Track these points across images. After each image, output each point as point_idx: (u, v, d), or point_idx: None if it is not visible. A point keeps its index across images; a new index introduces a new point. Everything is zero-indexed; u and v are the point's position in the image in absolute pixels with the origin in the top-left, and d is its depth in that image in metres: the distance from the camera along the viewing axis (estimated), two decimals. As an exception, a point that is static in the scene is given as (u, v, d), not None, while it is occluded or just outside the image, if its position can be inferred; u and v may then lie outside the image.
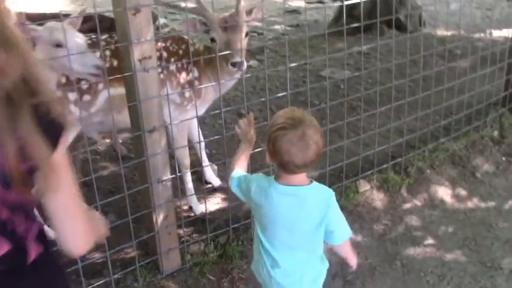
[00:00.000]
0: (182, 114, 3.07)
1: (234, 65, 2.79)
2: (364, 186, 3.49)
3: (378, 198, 3.47)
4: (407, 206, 3.47)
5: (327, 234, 1.89)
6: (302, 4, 9.60)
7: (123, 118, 2.69)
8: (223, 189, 3.52)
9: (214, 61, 2.87)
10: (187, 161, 3.28)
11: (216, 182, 3.60)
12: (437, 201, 3.52)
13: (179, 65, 3.03)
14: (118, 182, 3.34)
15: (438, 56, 5.18)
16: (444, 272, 2.94)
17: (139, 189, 2.68)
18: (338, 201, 1.96)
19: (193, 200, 3.34)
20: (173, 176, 2.71)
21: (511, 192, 3.66)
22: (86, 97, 2.88)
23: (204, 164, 3.44)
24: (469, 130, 4.10)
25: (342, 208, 2.08)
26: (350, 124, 3.75)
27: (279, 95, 3.03)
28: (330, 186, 2.02)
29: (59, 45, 2.45)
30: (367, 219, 3.31)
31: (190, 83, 3.05)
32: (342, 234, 1.92)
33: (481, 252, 3.09)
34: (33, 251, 1.22)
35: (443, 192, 3.60)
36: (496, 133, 4.15)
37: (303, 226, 1.87)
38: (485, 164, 3.88)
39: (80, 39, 2.53)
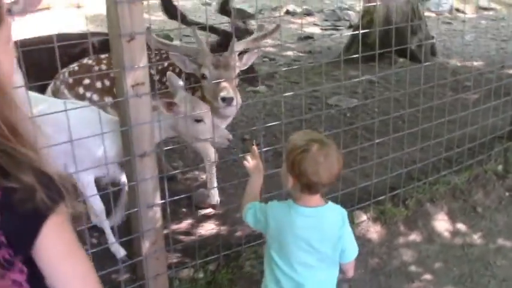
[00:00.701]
0: None
1: (223, 100, 2.82)
2: (360, 217, 3.44)
3: (374, 230, 3.42)
4: (404, 239, 3.40)
5: (340, 252, 1.96)
6: (317, 31, 9.73)
7: None
8: (216, 215, 3.52)
9: (206, 95, 2.97)
10: (212, 155, 3.40)
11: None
12: (435, 236, 3.44)
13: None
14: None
15: (447, 87, 5.16)
16: (437, 308, 2.88)
17: (128, 213, 2.69)
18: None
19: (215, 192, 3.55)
20: (163, 201, 2.72)
21: (512, 229, 3.57)
22: None
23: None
24: (472, 163, 4.01)
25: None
26: (352, 153, 3.72)
27: (275, 123, 3.04)
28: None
29: (199, 121, 2.73)
30: (361, 251, 3.22)
31: None
32: (353, 252, 2.00)
33: (477, 290, 3.02)
34: None
35: (442, 227, 3.52)
36: (500, 167, 4.04)
37: (321, 247, 1.93)
38: (487, 199, 3.79)
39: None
